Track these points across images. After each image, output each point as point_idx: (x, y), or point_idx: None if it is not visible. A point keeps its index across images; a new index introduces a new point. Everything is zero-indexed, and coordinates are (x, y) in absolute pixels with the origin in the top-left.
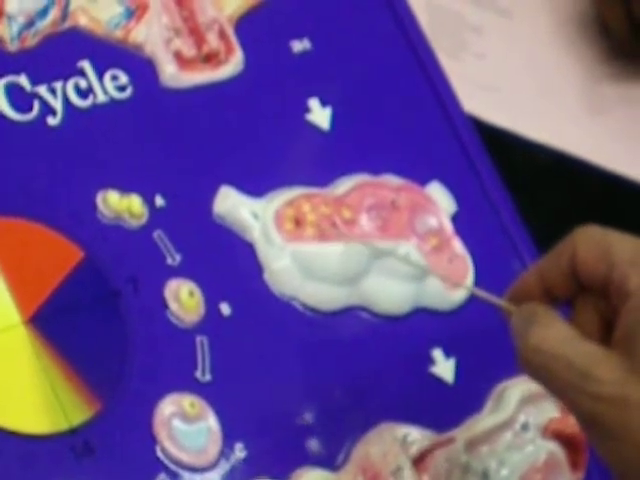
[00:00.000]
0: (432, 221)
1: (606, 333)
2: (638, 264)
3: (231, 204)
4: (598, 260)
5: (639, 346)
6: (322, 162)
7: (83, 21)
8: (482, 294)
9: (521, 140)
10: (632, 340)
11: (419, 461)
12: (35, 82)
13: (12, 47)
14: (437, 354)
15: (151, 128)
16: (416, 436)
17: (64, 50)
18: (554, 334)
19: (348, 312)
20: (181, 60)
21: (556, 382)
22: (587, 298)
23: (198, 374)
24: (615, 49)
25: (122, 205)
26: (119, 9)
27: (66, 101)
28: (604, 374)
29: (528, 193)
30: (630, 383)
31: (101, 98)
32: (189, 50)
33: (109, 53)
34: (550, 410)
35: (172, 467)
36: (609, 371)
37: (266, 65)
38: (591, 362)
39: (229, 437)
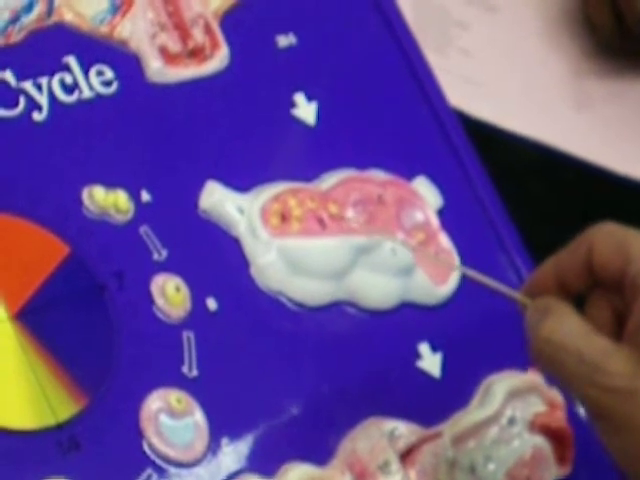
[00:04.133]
0: (418, 216)
1: (618, 328)
2: None
3: (217, 199)
4: (614, 255)
5: None
6: (308, 157)
7: (68, 16)
8: (499, 287)
9: (506, 134)
10: None
11: (406, 456)
12: (20, 78)
13: None
14: (424, 349)
15: (137, 123)
16: (403, 431)
17: (49, 46)
18: (566, 326)
19: (334, 307)
20: (166, 55)
21: (567, 374)
22: (601, 293)
23: (185, 369)
24: (600, 45)
25: (108, 200)
26: (104, 4)
27: (52, 97)
28: (615, 367)
29: (514, 187)
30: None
31: (87, 93)
32: (174, 45)
33: (95, 48)
34: (537, 404)
35: (159, 462)
36: (620, 364)
37: (251, 60)
38: (602, 355)
39: (216, 432)
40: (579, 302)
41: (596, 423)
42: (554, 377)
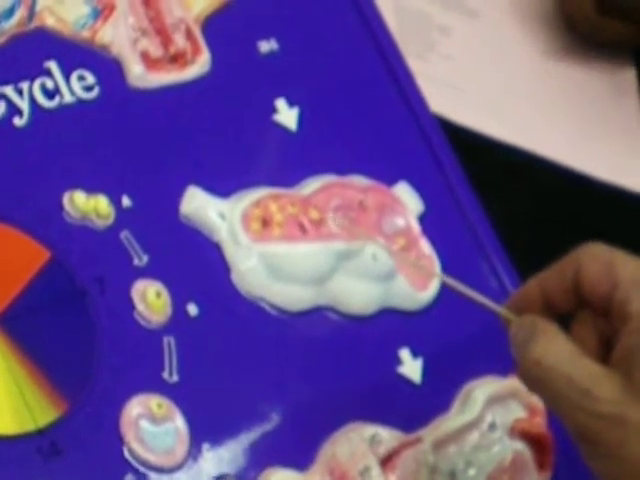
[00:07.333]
0: (399, 221)
1: (603, 349)
2: None
3: (198, 204)
4: (602, 278)
5: (638, 368)
6: (289, 162)
7: (50, 21)
8: (483, 300)
9: (488, 140)
10: (631, 362)
11: (387, 461)
12: (1, 82)
13: None
14: (404, 354)
15: (118, 128)
16: (384, 436)
17: (31, 50)
18: (556, 349)
19: (315, 312)
20: (148, 60)
21: (555, 397)
22: (586, 313)
23: (165, 375)
24: (583, 51)
25: (89, 205)
26: (86, 9)
27: (33, 101)
28: (603, 393)
29: (495, 193)
30: (628, 403)
31: (68, 98)
32: (156, 50)
33: (76, 53)
34: (517, 410)
35: (139, 468)
36: (608, 390)
37: (233, 65)
38: (591, 380)
39: (196, 438)
40: (562, 320)
41: (582, 447)
42: (541, 398)
